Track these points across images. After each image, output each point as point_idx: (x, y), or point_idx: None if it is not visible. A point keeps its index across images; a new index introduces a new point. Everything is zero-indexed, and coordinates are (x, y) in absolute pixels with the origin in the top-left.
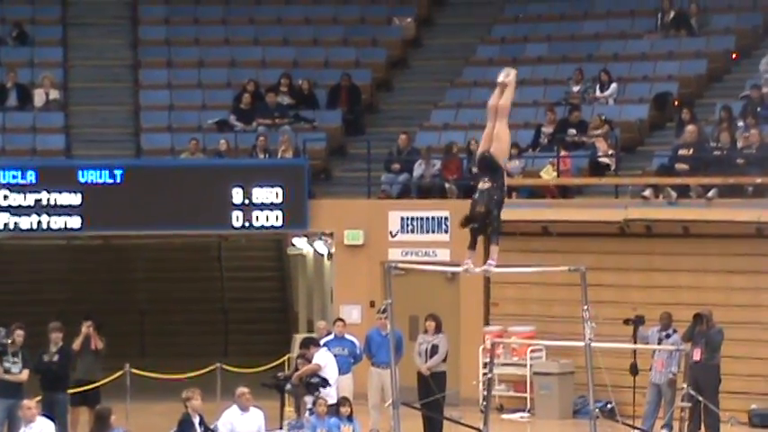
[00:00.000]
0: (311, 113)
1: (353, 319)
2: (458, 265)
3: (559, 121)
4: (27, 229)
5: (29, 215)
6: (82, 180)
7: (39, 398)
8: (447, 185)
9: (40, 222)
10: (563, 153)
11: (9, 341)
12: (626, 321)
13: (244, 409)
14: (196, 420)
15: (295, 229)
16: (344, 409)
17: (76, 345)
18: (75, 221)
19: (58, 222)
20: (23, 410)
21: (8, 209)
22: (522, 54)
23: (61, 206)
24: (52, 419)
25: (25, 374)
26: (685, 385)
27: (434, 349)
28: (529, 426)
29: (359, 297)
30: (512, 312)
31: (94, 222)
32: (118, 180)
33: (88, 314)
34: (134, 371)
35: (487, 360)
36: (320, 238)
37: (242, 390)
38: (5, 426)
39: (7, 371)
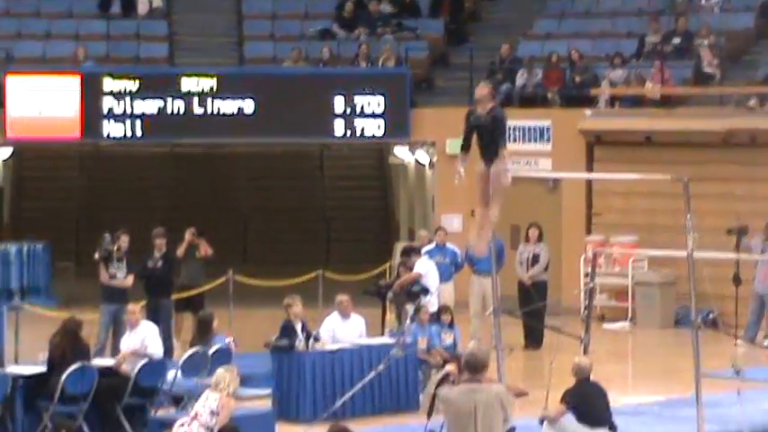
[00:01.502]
0: (413, 22)
1: (454, 228)
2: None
3: (664, 32)
4: (130, 137)
5: (132, 122)
6: (184, 88)
7: (143, 303)
8: (549, 95)
9: (143, 130)
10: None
11: (114, 247)
12: (729, 231)
13: (345, 316)
14: (298, 327)
15: (397, 138)
16: (445, 317)
17: (180, 251)
18: (177, 130)
19: (161, 130)
20: (128, 315)
21: (112, 116)
22: None
23: (165, 114)
24: (156, 324)
25: (130, 280)
26: None
27: (536, 258)
28: (630, 336)
29: (460, 206)
30: (614, 222)
31: (196, 130)
32: (220, 89)
33: (191, 221)
34: (237, 277)
35: (589, 270)
36: (422, 148)
37: (342, 297)
38: (111, 330)
39: (112, 276)
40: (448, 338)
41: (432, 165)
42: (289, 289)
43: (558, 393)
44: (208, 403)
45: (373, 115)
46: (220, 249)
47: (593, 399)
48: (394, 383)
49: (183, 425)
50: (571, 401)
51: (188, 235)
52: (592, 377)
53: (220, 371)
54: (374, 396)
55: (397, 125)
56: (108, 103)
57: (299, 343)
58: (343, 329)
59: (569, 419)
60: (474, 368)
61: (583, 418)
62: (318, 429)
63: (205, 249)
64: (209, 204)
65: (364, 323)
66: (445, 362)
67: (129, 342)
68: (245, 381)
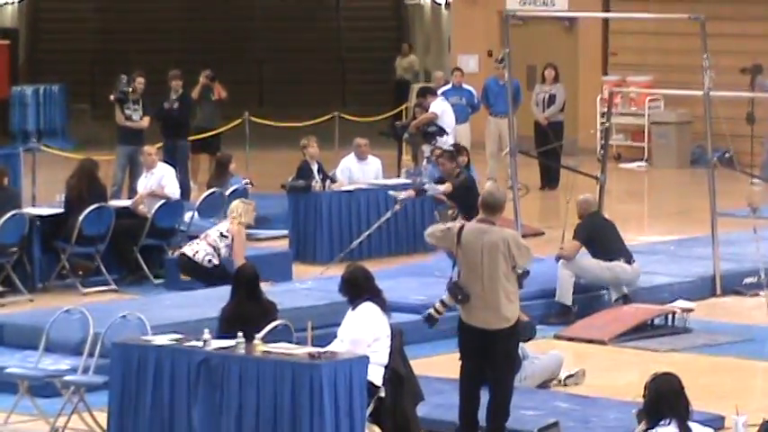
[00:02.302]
0: None
1: (471, 68)
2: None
3: None
4: None
5: None
6: None
7: (160, 144)
8: None
9: None
10: None
11: (130, 89)
12: (743, 70)
13: (361, 158)
14: (315, 168)
15: None
16: (462, 158)
17: (195, 93)
18: None
19: None
20: (144, 156)
21: None
22: None
23: None
24: (173, 165)
25: (146, 121)
26: None
27: (552, 99)
28: (646, 175)
29: (476, 46)
30: (630, 62)
31: None
32: None
33: (207, 63)
34: (253, 119)
35: (605, 109)
36: None
37: (360, 140)
38: (127, 171)
39: (128, 118)
40: None
41: (448, 5)
42: (305, 130)
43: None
44: (219, 227)
45: None
46: (236, 91)
47: (604, 231)
48: (410, 224)
49: (191, 244)
50: (582, 237)
51: (202, 78)
52: (607, 216)
53: (236, 202)
54: (390, 237)
55: None
56: None
57: (316, 184)
58: (359, 171)
59: (585, 256)
60: (490, 208)
61: (597, 251)
62: (335, 270)
63: (219, 91)
64: (224, 46)
65: (381, 164)
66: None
67: (145, 183)
68: (261, 222)
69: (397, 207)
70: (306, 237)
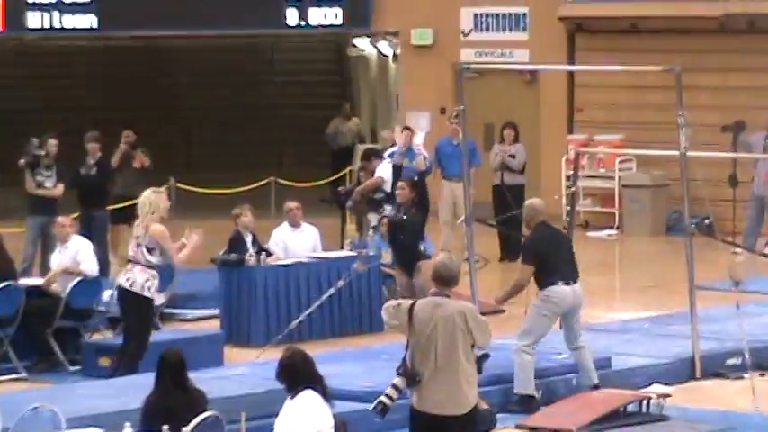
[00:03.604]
0: None
1: (422, 127)
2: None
3: None
4: (48, 28)
5: (51, 12)
6: None
7: (75, 215)
8: None
9: (61, 20)
10: None
11: (42, 153)
12: (724, 128)
13: (294, 225)
14: (248, 239)
15: (356, 28)
16: None
17: (115, 161)
18: (96, 20)
19: (83, 21)
20: (58, 228)
21: (32, 5)
22: None
23: (82, 4)
24: (90, 238)
25: (60, 189)
26: None
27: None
28: (617, 244)
29: (428, 103)
30: (598, 119)
31: (128, 20)
32: None
33: (127, 124)
34: (180, 185)
35: (571, 172)
36: (384, 39)
37: (290, 204)
38: (39, 245)
39: (40, 185)
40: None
41: (396, 57)
42: (237, 198)
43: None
44: (138, 240)
45: (330, 1)
46: (161, 155)
47: (549, 247)
48: (356, 302)
49: (125, 274)
50: (532, 257)
51: (123, 143)
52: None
53: (144, 195)
54: (333, 316)
55: (357, 13)
56: None
57: (250, 257)
58: (294, 241)
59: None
60: (443, 281)
61: (552, 271)
62: (271, 353)
63: (141, 160)
64: (147, 104)
65: (318, 234)
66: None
67: (59, 258)
68: (189, 300)
69: (341, 283)
70: (239, 317)
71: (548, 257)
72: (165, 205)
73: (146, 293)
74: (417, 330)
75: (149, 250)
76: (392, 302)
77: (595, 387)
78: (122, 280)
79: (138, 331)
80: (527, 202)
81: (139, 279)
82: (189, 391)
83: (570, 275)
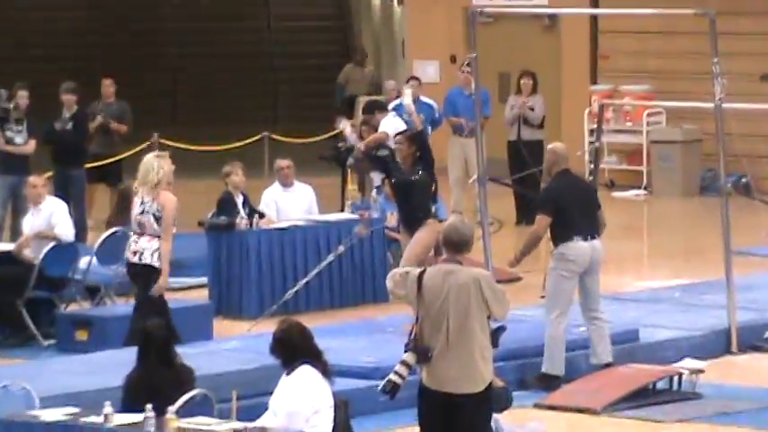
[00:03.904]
0: None
1: (430, 77)
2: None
3: None
4: None
5: None
6: None
7: (49, 174)
8: None
9: None
10: None
11: (11, 105)
12: (763, 77)
13: (286, 185)
14: (239, 200)
15: None
16: None
17: (92, 127)
18: None
19: None
20: (29, 189)
21: None
22: None
23: None
24: (65, 200)
25: (32, 145)
26: None
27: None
28: (645, 205)
29: (437, 50)
30: (624, 67)
31: None
32: None
33: (109, 72)
34: (164, 141)
35: (595, 126)
36: None
37: (281, 162)
38: (9, 207)
39: (9, 141)
40: None
41: (401, 0)
42: (228, 155)
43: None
44: (145, 208)
45: None
46: (144, 106)
47: (571, 199)
48: (358, 269)
49: (131, 248)
50: (550, 208)
51: (100, 117)
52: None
53: (147, 159)
54: (333, 285)
55: None
56: None
57: (241, 220)
58: (287, 202)
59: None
60: (454, 246)
61: (554, 225)
62: (265, 326)
63: (117, 129)
64: (130, 51)
65: (313, 193)
66: None
67: (32, 222)
68: (175, 268)
69: (341, 248)
70: (230, 286)
71: (566, 209)
72: (169, 169)
73: (155, 264)
74: (427, 301)
75: (156, 219)
76: (398, 270)
77: (608, 366)
78: (128, 253)
79: (151, 303)
80: (549, 146)
81: (148, 249)
82: (175, 367)
83: (588, 230)
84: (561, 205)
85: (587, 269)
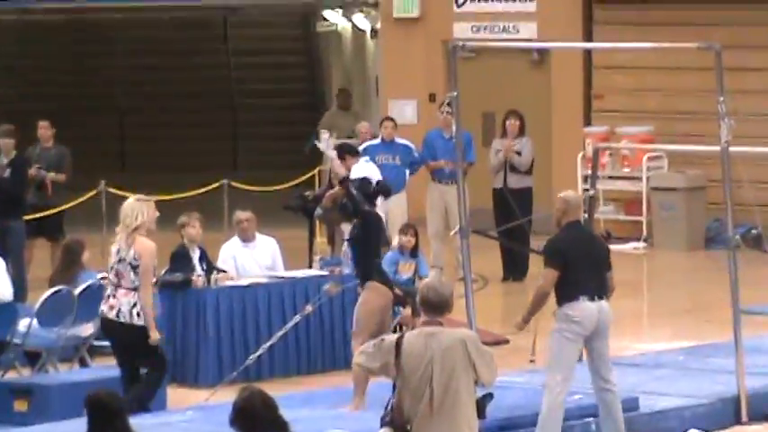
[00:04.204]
0: None
1: (407, 118)
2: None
3: None
4: None
5: None
6: None
7: None
8: None
9: None
10: None
11: None
12: None
13: (246, 239)
14: (195, 255)
15: None
16: (406, 239)
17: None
18: None
19: None
20: None
21: None
22: None
23: None
24: (3, 256)
25: None
26: None
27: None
28: (645, 259)
29: (414, 89)
30: (621, 107)
31: None
32: None
33: (48, 114)
34: (111, 190)
35: (589, 172)
36: (361, 10)
37: (240, 215)
38: None
39: None
40: (406, 270)
41: (375, 33)
42: (183, 204)
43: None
44: (121, 256)
45: None
46: (89, 152)
47: (579, 253)
48: (327, 332)
49: (107, 302)
50: (559, 261)
51: (33, 170)
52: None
53: (129, 203)
54: (300, 349)
55: None
56: None
57: (198, 277)
58: (247, 257)
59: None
60: (433, 308)
61: (574, 283)
62: (224, 395)
63: (54, 179)
64: (74, 91)
65: (276, 247)
66: (398, 301)
67: None
68: None
69: (309, 308)
70: (185, 349)
71: (574, 265)
72: (152, 216)
73: (135, 322)
74: (407, 369)
75: (133, 268)
76: (368, 344)
77: None
78: (104, 306)
79: (154, 358)
80: (561, 194)
81: (125, 305)
82: None
83: (596, 290)
84: (569, 260)
85: (594, 332)
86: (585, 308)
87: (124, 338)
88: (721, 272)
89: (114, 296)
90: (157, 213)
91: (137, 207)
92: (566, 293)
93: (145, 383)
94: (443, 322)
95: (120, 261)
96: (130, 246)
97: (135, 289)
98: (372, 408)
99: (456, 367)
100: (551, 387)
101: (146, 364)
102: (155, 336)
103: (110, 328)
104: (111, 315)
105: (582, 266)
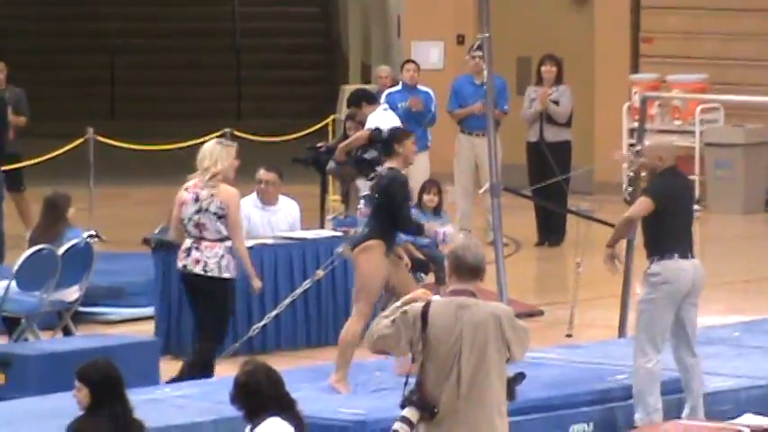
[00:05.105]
0: None
1: (432, 62)
2: None
3: None
4: None
5: None
6: None
7: None
8: None
9: None
10: None
11: None
12: None
13: (267, 202)
14: None
15: None
16: (429, 198)
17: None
18: None
19: None
20: None
21: None
22: None
23: None
24: None
25: None
26: None
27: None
28: (698, 223)
29: (440, 30)
30: (673, 52)
31: None
32: None
33: (35, 51)
34: (100, 138)
35: (636, 125)
36: None
37: (264, 174)
38: None
39: None
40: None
41: None
42: (180, 155)
43: (588, 310)
44: (201, 206)
45: None
46: (76, 95)
47: (677, 203)
48: (340, 299)
49: (190, 255)
50: (659, 196)
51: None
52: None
53: (205, 147)
54: (310, 319)
55: None
56: None
57: None
58: (264, 221)
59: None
60: (468, 273)
61: (669, 237)
62: (225, 368)
63: (14, 122)
64: (57, 27)
65: (298, 211)
66: (414, 266)
67: None
68: (114, 295)
69: (320, 273)
70: (180, 318)
71: (672, 214)
72: (233, 163)
73: (225, 275)
74: (434, 342)
75: (219, 218)
76: (382, 320)
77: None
78: (188, 261)
79: (219, 322)
80: (650, 142)
81: (213, 258)
82: (123, 418)
83: (690, 247)
84: (668, 207)
85: (687, 295)
86: (679, 265)
87: (215, 293)
88: None
89: (198, 248)
90: (237, 161)
91: (217, 151)
92: (659, 248)
93: (203, 353)
94: (477, 293)
95: (199, 211)
96: (214, 195)
97: (221, 240)
98: (390, 381)
99: (488, 346)
100: (642, 363)
101: (206, 325)
102: (257, 283)
103: (195, 283)
104: (198, 269)
105: (680, 218)
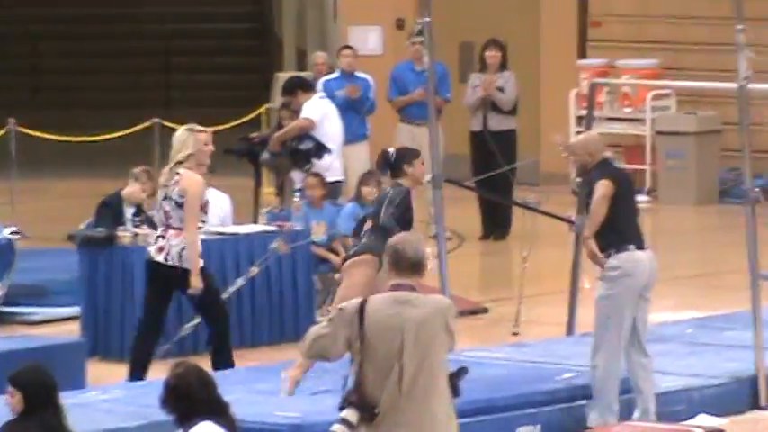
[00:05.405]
0: None
1: (370, 47)
2: None
3: None
4: None
5: None
6: None
7: None
8: None
9: None
10: None
11: None
12: None
13: None
14: (130, 211)
15: None
16: (368, 190)
17: None
18: None
19: None
20: None
21: None
22: None
23: None
24: None
25: None
26: None
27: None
28: (649, 215)
29: (379, 13)
30: (622, 36)
31: None
32: None
33: None
34: (21, 129)
35: (584, 112)
36: None
37: None
38: None
39: None
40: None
41: None
42: (106, 147)
43: (535, 307)
44: (167, 192)
45: None
46: None
47: (631, 196)
48: (275, 298)
49: (156, 243)
50: (611, 182)
51: None
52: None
53: (180, 134)
54: (243, 318)
55: None
56: None
57: (124, 232)
58: None
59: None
60: (410, 267)
61: (624, 229)
62: (155, 371)
63: None
64: None
65: (230, 205)
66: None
67: None
68: (36, 294)
69: (254, 270)
70: (108, 318)
71: (625, 202)
72: (204, 148)
73: (185, 265)
74: (373, 340)
75: (179, 206)
76: (317, 328)
77: None
78: (152, 250)
79: (211, 309)
80: (581, 135)
81: (175, 248)
82: (49, 421)
83: (642, 240)
84: (623, 193)
85: (643, 289)
86: (638, 258)
87: (172, 283)
88: (737, 230)
89: (164, 237)
90: (211, 148)
91: (182, 137)
92: (613, 241)
93: (216, 341)
94: (417, 287)
95: (165, 198)
96: (177, 181)
97: (182, 229)
98: (327, 384)
99: (433, 342)
100: (600, 363)
101: (204, 315)
102: (195, 283)
103: (157, 271)
104: (160, 258)
105: (628, 209)
